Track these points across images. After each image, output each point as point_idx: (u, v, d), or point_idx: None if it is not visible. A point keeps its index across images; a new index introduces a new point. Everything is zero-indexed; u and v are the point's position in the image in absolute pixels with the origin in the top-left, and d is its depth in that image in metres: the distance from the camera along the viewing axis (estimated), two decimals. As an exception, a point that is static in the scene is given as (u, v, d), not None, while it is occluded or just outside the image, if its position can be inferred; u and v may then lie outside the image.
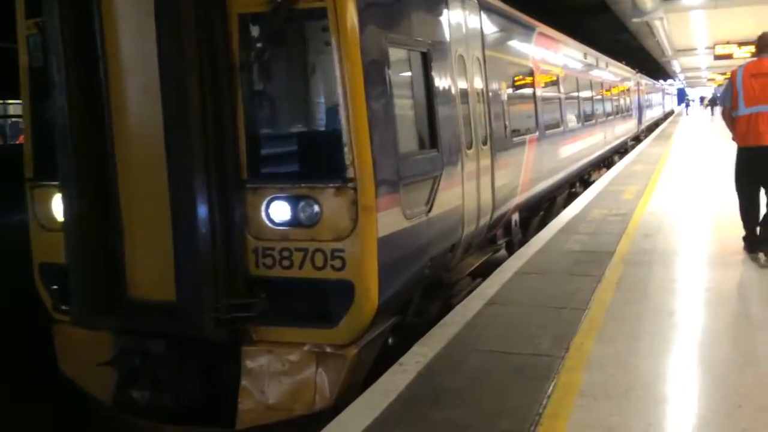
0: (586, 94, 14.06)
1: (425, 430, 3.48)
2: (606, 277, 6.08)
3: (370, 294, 4.21)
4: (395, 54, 4.77)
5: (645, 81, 32.94)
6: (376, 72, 4.40)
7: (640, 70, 32.22)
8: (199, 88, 4.05)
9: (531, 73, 9.19)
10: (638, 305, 5.31)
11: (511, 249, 7.75)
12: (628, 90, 23.46)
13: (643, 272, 6.27)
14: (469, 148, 5.97)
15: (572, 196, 12.32)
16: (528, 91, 9.12)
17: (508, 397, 3.77)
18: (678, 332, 4.72)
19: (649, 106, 36.97)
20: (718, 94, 52.97)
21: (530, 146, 8.47)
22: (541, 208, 10.13)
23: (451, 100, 5.69)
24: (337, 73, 4.14)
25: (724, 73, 45.96)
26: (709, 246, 7.51)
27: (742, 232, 6.68)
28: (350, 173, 4.12)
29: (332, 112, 4.35)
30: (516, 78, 8.53)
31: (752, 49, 24.73)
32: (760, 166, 6.41)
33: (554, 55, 11.11)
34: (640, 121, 27.65)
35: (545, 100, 9.83)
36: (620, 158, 19.52)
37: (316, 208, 4.17)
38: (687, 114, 56.53)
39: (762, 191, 6.66)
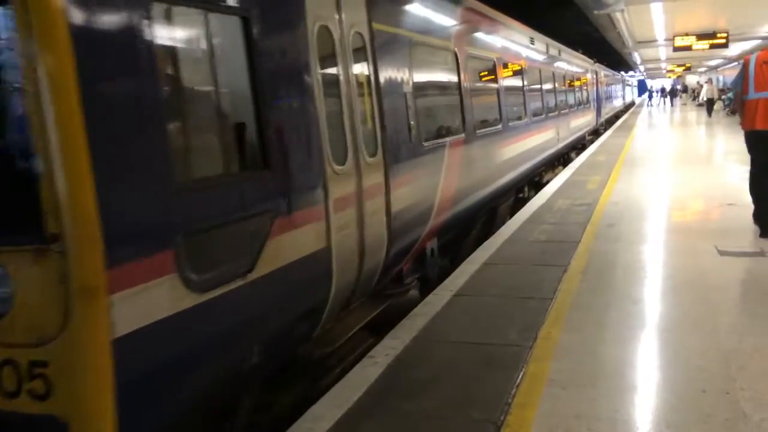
0: (533, 84, 12.45)
1: (397, 421, 3.49)
2: (572, 267, 6.17)
3: None
4: (162, 13, 2.94)
5: (604, 71, 32.01)
6: (108, 45, 2.61)
7: (601, 60, 32.59)
8: None
9: (454, 59, 7.27)
10: (603, 294, 5.39)
11: (429, 284, 6.14)
12: (586, 81, 22.42)
13: (608, 261, 6.38)
14: (341, 163, 4.28)
15: (521, 202, 10.75)
16: (448, 80, 7.29)
17: (478, 388, 3.80)
18: (642, 320, 4.81)
19: (609, 98, 35.74)
20: (678, 86, 53.93)
21: (453, 151, 6.74)
22: (476, 224, 8.51)
23: (301, 93, 3.90)
24: (24, 50, 2.40)
25: (683, 65, 47.06)
26: (671, 234, 7.67)
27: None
28: (53, 226, 2.40)
29: (17, 121, 2.57)
30: (430, 64, 6.80)
31: (711, 41, 25.09)
32: (765, 147, 6.93)
33: (489, 37, 9.30)
34: (599, 114, 26.64)
35: (476, 92, 8.13)
36: (578, 154, 18.45)
37: (3, 286, 2.50)
38: (650, 105, 57.44)
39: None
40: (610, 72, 37.48)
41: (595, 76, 26.02)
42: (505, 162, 9.38)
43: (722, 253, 6.41)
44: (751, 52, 33.72)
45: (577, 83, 19.82)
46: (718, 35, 24.57)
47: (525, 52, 11.93)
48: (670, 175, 12.71)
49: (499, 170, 9.03)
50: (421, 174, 5.81)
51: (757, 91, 6.92)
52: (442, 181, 6.33)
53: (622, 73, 53.90)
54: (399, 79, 5.52)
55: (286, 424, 3.59)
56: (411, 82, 5.75)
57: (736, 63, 35.01)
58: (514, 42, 11.05)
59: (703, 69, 53.76)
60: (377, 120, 4.91)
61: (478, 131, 7.84)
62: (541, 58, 13.63)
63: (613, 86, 39.80)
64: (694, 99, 51.11)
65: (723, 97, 33.74)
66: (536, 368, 4.00)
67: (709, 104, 31.96)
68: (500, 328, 4.72)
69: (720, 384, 3.67)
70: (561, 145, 15.52)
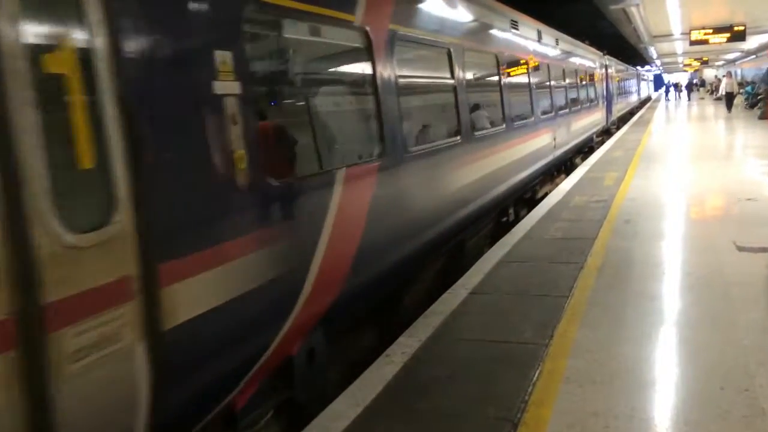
0: (517, 80, 9.92)
1: (413, 419, 3.50)
2: (588, 264, 6.14)
3: None
4: None
5: (616, 65, 29.62)
6: None
7: (616, 55, 32.17)
8: None
9: (365, 39, 4.79)
10: (620, 291, 5.37)
11: (306, 410, 3.94)
12: (593, 75, 19.97)
13: (625, 258, 6.34)
14: None
15: (503, 228, 8.44)
16: (360, 72, 5.06)
17: (495, 385, 3.80)
18: (660, 316, 4.78)
19: (623, 94, 33.13)
20: (695, 80, 53.28)
21: (354, 186, 4.36)
22: (423, 274, 6.20)
23: None
24: None
25: (700, 59, 46.55)
26: (689, 230, 7.61)
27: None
28: None
29: None
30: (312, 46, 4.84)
31: (727, 35, 24.86)
32: None
33: (437, 15, 6.65)
34: (609, 112, 24.18)
35: (411, 91, 6.05)
36: (583, 159, 16.16)
37: None
38: (667, 99, 56.79)
39: None
40: (623, 66, 34.83)
41: (604, 70, 23.75)
42: (470, 184, 6.92)
43: (741, 248, 6.35)
44: (769, 44, 33.23)
45: (582, 78, 17.44)
46: (735, 28, 24.27)
47: (505, 40, 9.40)
48: (688, 170, 12.59)
49: (460, 195, 6.63)
50: (259, 238, 3.32)
51: None
52: (327, 240, 3.93)
53: (638, 67, 53.38)
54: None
55: (302, 423, 3.61)
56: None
57: (754, 56, 34.53)
58: (487, 25, 8.59)
59: (720, 63, 53.13)
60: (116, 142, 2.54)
61: (411, 149, 5.45)
62: (530, 47, 11.02)
63: (627, 81, 36.98)
64: (711, 93, 50.51)
65: (741, 90, 32.61)
66: (553, 366, 4.00)
67: (729, 98, 30.05)
68: (516, 326, 4.72)
69: (739, 381, 3.64)
70: (559, 152, 12.97)
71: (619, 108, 30.21)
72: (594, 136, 19.62)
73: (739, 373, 3.73)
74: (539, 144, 10.93)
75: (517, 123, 9.33)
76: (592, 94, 19.24)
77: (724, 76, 36.13)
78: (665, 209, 8.77)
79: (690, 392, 3.61)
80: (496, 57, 8.72)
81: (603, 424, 3.29)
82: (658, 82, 79.34)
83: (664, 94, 62.42)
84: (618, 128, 25.82)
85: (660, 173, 12.11)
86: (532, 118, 10.50)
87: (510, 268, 6.27)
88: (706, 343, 4.23)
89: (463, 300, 5.38)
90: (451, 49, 6.75)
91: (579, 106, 16.14)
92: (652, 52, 41.48)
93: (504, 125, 8.63)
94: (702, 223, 8.08)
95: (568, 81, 14.92)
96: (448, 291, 5.67)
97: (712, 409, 3.37)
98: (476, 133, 7.41)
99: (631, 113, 36.83)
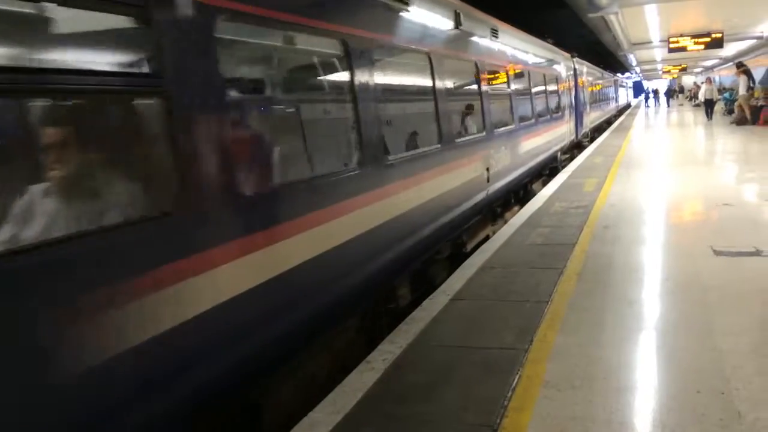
0: (444, 83, 7.11)
1: (393, 426, 3.50)
2: (568, 270, 6.19)
3: None
4: None
5: (589, 69, 26.18)
6: None
7: (596, 63, 32.28)
8: None
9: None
10: (599, 296, 5.41)
11: None
12: (557, 80, 16.48)
13: (604, 263, 6.40)
14: None
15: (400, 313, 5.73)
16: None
17: (475, 391, 3.81)
18: (638, 321, 4.83)
19: (597, 102, 29.69)
20: (674, 87, 53.94)
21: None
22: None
23: None
24: None
25: (679, 65, 47.19)
26: (667, 235, 7.69)
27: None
28: None
29: None
30: None
31: (705, 42, 25.22)
32: None
33: None
34: (579, 124, 20.75)
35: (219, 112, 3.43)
36: (545, 183, 12.90)
37: None
38: (647, 106, 57.39)
39: None
40: (597, 71, 31.34)
41: (572, 76, 20.25)
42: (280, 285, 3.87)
43: (718, 253, 6.43)
44: (747, 52, 33.80)
45: (539, 84, 13.73)
46: (713, 35, 24.67)
47: (408, 35, 6.36)
48: (667, 176, 12.75)
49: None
50: None
51: None
52: None
53: (619, 75, 53.92)
54: None
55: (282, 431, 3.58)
56: None
57: (731, 63, 35.04)
58: (375, 12, 5.61)
59: (699, 69, 53.90)
60: None
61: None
62: (437, 37, 7.24)
63: (603, 88, 33.86)
64: (690, 99, 51.15)
65: (720, 97, 32.38)
66: (532, 371, 4.02)
67: (708, 105, 29.00)
68: (497, 332, 4.74)
69: (715, 384, 3.68)
70: (498, 185, 9.17)
71: (593, 118, 27.06)
72: (558, 154, 16.29)
73: (715, 377, 3.77)
74: (455, 181, 7.21)
75: (401, 158, 5.80)
76: (554, 104, 15.43)
77: (703, 82, 36.34)
78: (644, 215, 8.86)
79: (667, 396, 3.65)
80: (385, 59, 5.93)
81: (581, 429, 3.31)
82: (638, 88, 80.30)
83: (644, 101, 63.18)
84: (589, 143, 22.69)
85: (639, 179, 12.24)
86: (438, 145, 6.73)
87: (491, 274, 6.30)
88: (683, 347, 4.28)
89: (444, 306, 5.39)
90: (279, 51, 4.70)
91: (533, 121, 12.31)
92: (632, 59, 42.01)
93: (391, 160, 5.49)
94: (680, 228, 8.18)
95: (514, 87, 10.80)
96: (429, 297, 5.69)
97: (688, 413, 3.40)
98: (323, 181, 4.51)
99: (608, 122, 34.78)
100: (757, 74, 29.68)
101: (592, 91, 27.09)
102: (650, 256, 6.69)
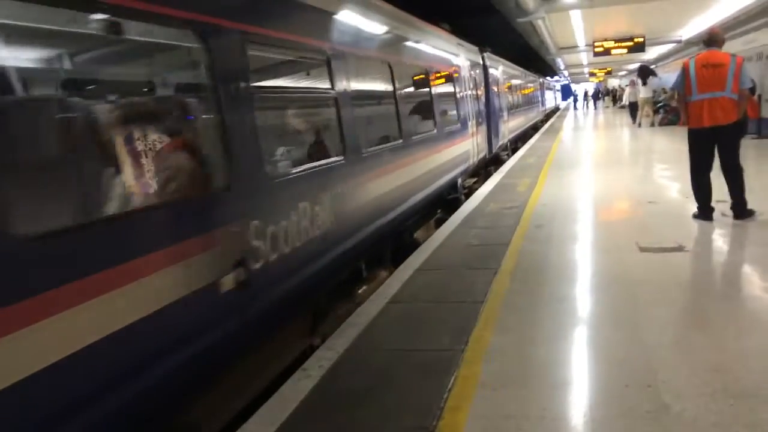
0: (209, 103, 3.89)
1: (330, 434, 3.46)
2: (502, 269, 6.29)
3: None
4: None
5: (506, 68, 21.57)
6: None
7: (527, 66, 32.93)
8: None
9: None
10: (532, 294, 5.52)
11: None
12: (454, 82, 11.89)
13: (537, 261, 6.54)
14: None
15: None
16: None
17: (412, 394, 3.81)
18: (569, 317, 4.95)
19: (519, 107, 24.86)
20: (601, 89, 55.29)
21: None
22: None
23: None
24: None
25: (604, 69, 48.87)
26: (596, 233, 7.93)
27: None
28: None
29: None
30: None
31: (628, 46, 26.22)
32: (711, 142, 7.53)
33: None
34: (494, 135, 16.66)
35: None
36: (438, 225, 9.66)
37: None
38: (575, 108, 59.13)
39: (711, 168, 7.67)
40: (518, 70, 26.77)
41: (481, 76, 15.58)
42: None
43: (643, 249, 6.67)
44: (668, 55, 35.18)
45: (423, 86, 9.79)
46: (635, 40, 25.70)
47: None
48: (595, 175, 13.17)
49: None
50: None
51: (700, 92, 7.49)
52: None
53: (548, 78, 55.32)
54: None
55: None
56: None
57: (654, 66, 36.51)
58: None
59: (623, 73, 55.96)
60: None
61: None
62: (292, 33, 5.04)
63: (526, 91, 29.94)
64: (615, 102, 52.97)
65: (660, 98, 27.97)
66: (468, 371, 4.05)
67: (633, 108, 28.03)
68: (433, 334, 4.76)
69: (642, 377, 3.80)
70: (346, 246, 5.78)
71: (514, 126, 22.40)
72: (460, 180, 12.09)
73: (642, 370, 3.90)
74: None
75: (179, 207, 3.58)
76: (446, 113, 11.07)
77: (627, 85, 37.41)
78: (575, 213, 9.11)
79: (597, 390, 3.74)
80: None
81: (515, 426, 3.36)
82: (567, 91, 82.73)
83: (572, 104, 65.10)
84: (509, 155, 19.30)
85: (570, 179, 12.59)
86: (233, 189, 3.97)
87: (428, 275, 6.33)
88: (612, 341, 4.41)
89: (381, 309, 5.38)
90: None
91: (418, 139, 8.81)
92: (560, 63, 43.26)
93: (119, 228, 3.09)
94: (608, 225, 8.44)
95: (350, 89, 6.24)
96: (367, 300, 5.67)
97: (617, 406, 3.50)
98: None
99: (534, 128, 31.62)
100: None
101: (512, 95, 23.00)
102: (580, 253, 6.87)
